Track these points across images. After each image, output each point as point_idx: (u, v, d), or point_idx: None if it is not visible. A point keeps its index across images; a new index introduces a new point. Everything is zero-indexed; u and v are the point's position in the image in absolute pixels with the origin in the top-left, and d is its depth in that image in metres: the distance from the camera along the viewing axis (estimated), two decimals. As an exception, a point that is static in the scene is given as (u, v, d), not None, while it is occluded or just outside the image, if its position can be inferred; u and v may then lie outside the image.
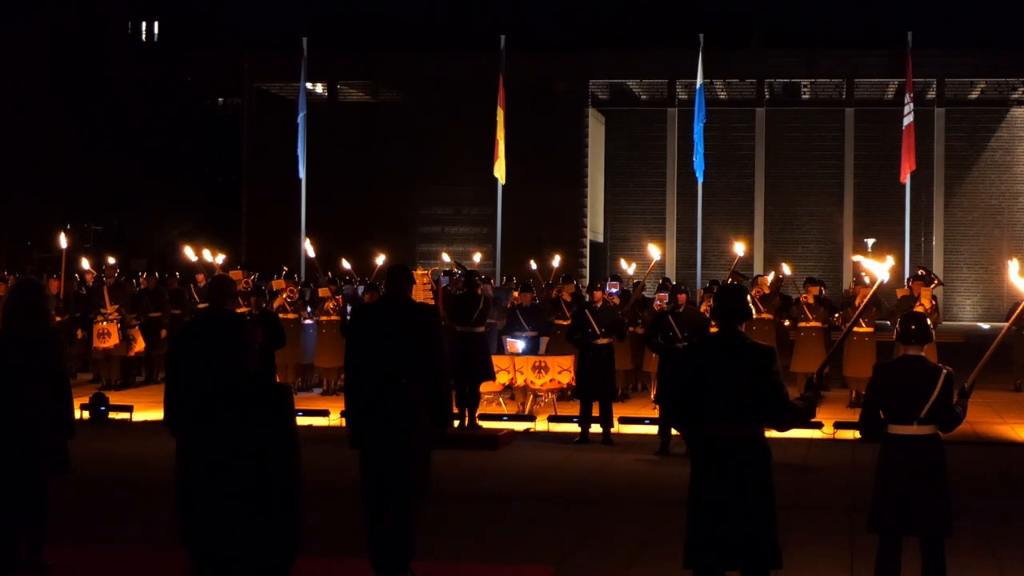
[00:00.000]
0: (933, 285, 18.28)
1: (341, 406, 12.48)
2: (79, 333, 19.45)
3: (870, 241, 34.95)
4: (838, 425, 14.52)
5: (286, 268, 24.31)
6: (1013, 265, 7.50)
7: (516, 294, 18.56)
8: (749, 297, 7.02)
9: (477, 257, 27.97)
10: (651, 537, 9.27)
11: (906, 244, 29.81)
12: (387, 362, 7.63)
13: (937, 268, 35.27)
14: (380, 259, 22.17)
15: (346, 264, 24.54)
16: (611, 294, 17.51)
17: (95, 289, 19.81)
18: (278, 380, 14.62)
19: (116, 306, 18.84)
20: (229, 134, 49.64)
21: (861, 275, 18.74)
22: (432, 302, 16.62)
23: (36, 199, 47.11)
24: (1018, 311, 7.86)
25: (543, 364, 15.97)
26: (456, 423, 13.66)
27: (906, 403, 6.93)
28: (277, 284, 19.44)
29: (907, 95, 28.84)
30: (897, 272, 27.15)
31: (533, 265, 26.34)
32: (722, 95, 38.91)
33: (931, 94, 37.30)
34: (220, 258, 22.60)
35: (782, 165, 38.82)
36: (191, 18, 61.95)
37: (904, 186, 29.30)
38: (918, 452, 6.92)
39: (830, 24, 72.63)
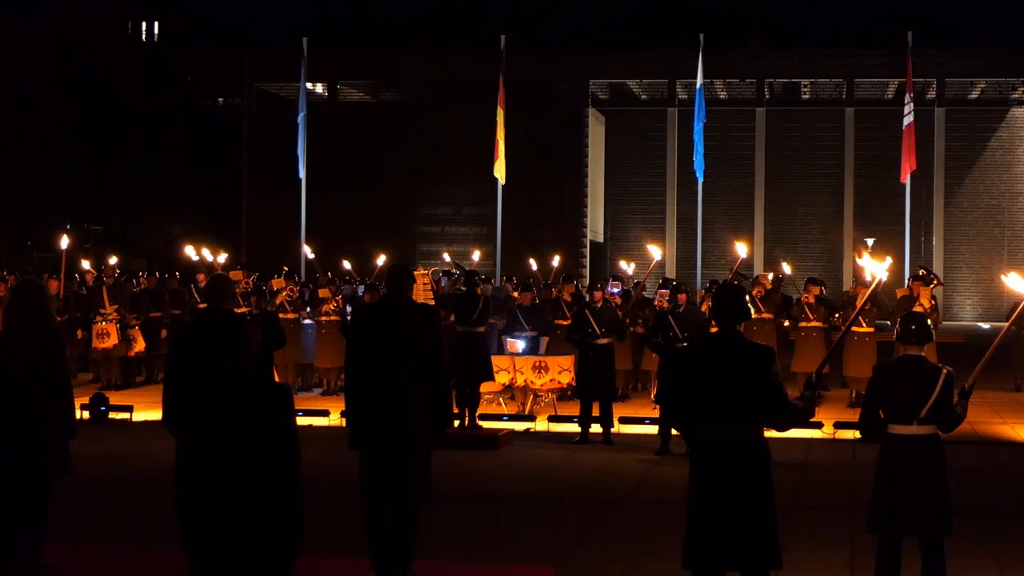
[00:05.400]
0: (933, 285, 18.27)
1: (341, 406, 12.48)
2: (79, 333, 19.45)
3: (870, 241, 34.96)
4: (838, 425, 14.52)
5: (286, 268, 24.31)
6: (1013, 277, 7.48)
7: (516, 294, 18.55)
8: (748, 297, 7.04)
9: (477, 257, 27.98)
10: (651, 537, 9.27)
11: (906, 244, 29.83)
12: (387, 362, 7.62)
13: (937, 268, 35.28)
14: (380, 259, 22.17)
15: (346, 264, 24.54)
16: (613, 294, 17.49)
17: (94, 289, 19.81)
18: (278, 380, 14.63)
19: (115, 306, 18.84)
20: (229, 134, 49.62)
21: (862, 274, 18.74)
22: (432, 302, 16.62)
23: (36, 199, 47.09)
24: (1018, 311, 7.86)
25: (543, 364, 15.97)
26: (456, 423, 13.66)
27: (906, 403, 6.93)
28: (277, 284, 19.43)
29: (907, 95, 28.86)
30: (897, 272, 27.17)
31: (533, 265, 26.34)
32: (722, 95, 38.92)
33: (931, 94, 37.31)
34: (222, 257, 22.59)
35: (782, 165, 38.83)
36: (191, 18, 61.95)
37: (904, 186, 29.32)
38: (918, 452, 6.92)
39: (830, 24, 72.54)
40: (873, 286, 7.68)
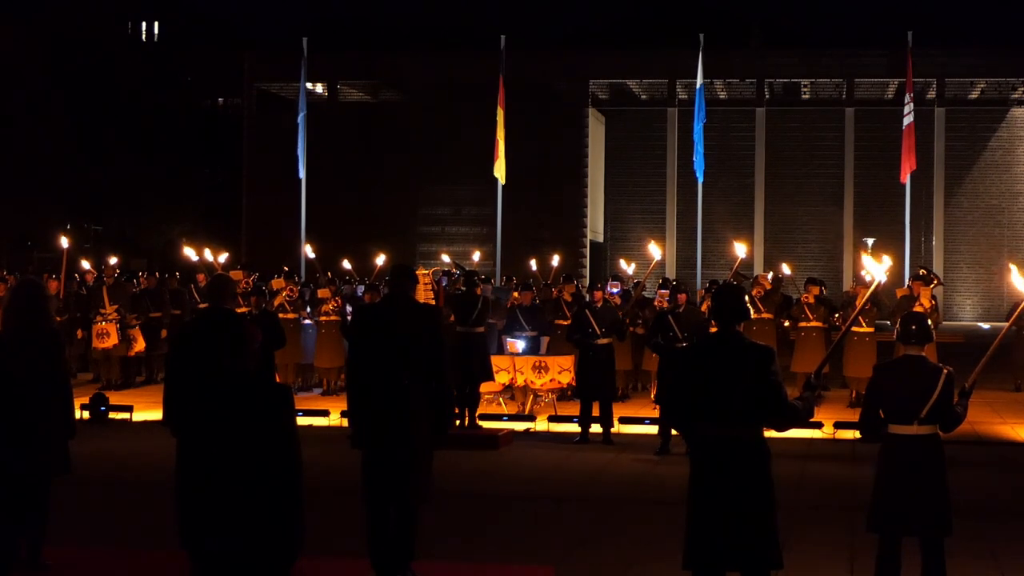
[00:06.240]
0: (933, 285, 18.27)
1: (341, 406, 12.49)
2: (79, 333, 19.45)
3: (870, 241, 34.93)
4: (838, 425, 14.52)
5: (286, 268, 24.31)
6: (1014, 271, 7.50)
7: (516, 294, 18.55)
8: (748, 297, 7.05)
9: (477, 257, 27.98)
10: (651, 537, 9.27)
11: (906, 244, 29.82)
12: (388, 362, 7.62)
13: (937, 268, 35.27)
14: (380, 259, 22.18)
15: (346, 264, 24.53)
16: (612, 294, 17.49)
17: (94, 289, 19.81)
18: (278, 380, 14.62)
19: (115, 306, 18.84)
20: (229, 134, 49.63)
21: (862, 275, 18.73)
22: (433, 302, 16.62)
23: (36, 199, 47.09)
24: (1018, 311, 7.87)
25: (543, 364, 15.97)
26: (456, 423, 13.66)
27: (906, 403, 6.93)
28: (277, 284, 19.43)
29: (907, 95, 28.84)
30: (897, 272, 27.16)
31: (533, 265, 26.34)
32: (722, 95, 38.91)
33: (931, 94, 37.31)
34: (223, 257, 22.57)
35: (782, 165, 38.82)
36: (191, 18, 61.94)
37: (904, 186, 29.31)
38: (918, 452, 6.92)
39: (830, 24, 72.53)
40: (873, 286, 7.69)
